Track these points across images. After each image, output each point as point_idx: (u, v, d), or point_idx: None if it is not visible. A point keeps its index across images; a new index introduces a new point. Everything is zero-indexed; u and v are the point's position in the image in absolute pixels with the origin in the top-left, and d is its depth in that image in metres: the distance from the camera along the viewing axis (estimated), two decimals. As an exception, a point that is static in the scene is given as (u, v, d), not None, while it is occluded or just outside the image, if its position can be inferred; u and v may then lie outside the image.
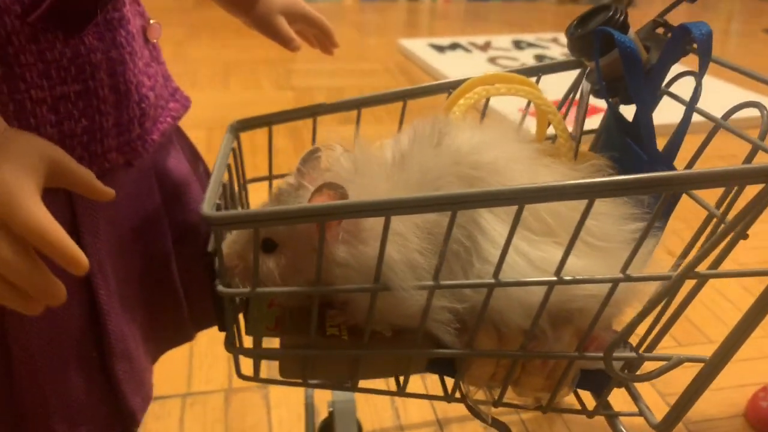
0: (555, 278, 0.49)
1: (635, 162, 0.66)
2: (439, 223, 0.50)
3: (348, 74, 2.61)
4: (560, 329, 0.54)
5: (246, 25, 0.67)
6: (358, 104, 0.71)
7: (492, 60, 2.70)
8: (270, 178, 0.71)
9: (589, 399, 0.60)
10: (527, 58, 2.75)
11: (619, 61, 0.67)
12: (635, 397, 0.59)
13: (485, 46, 2.89)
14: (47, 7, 0.42)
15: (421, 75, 2.61)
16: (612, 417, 0.58)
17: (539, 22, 3.73)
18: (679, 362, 0.52)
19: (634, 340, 0.58)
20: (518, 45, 2.95)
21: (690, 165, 0.62)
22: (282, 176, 0.70)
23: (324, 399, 0.97)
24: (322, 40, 0.70)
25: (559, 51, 2.88)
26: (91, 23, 0.46)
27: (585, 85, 0.69)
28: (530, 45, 2.95)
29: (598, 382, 0.59)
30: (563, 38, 2.90)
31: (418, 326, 0.51)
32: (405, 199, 0.46)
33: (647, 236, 0.48)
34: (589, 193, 0.46)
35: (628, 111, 0.67)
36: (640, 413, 0.58)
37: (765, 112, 0.56)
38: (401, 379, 0.58)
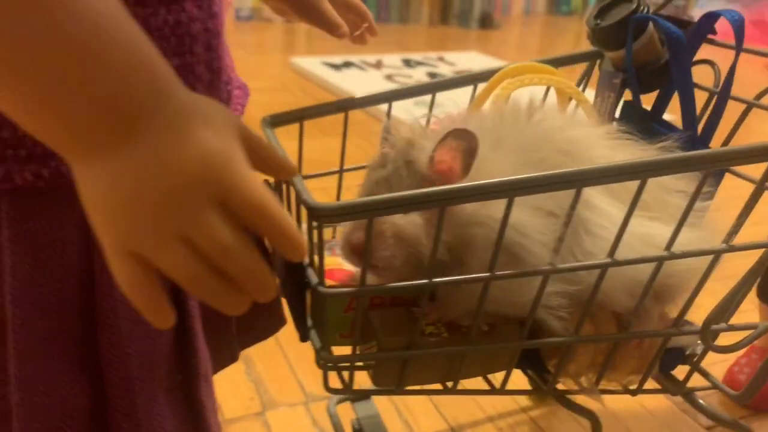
0: (667, 253, 0.49)
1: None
2: (554, 200, 0.48)
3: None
4: (656, 307, 0.54)
5: (277, 12, 0.61)
6: (388, 97, 0.68)
7: (389, 77, 2.73)
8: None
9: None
10: (420, 75, 2.81)
11: (643, 50, 0.69)
12: (706, 373, 0.60)
13: (378, 65, 2.92)
14: None
15: (320, 92, 2.58)
16: (690, 394, 0.59)
17: (414, 42, 3.84)
18: (764, 330, 0.54)
19: (694, 317, 0.59)
20: (408, 63, 3.01)
21: (725, 145, 0.65)
22: (313, 176, 0.65)
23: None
24: (360, 27, 0.66)
25: (447, 69, 2.97)
26: (194, -14, 0.39)
27: (611, 74, 0.70)
28: (419, 63, 3.02)
29: (667, 362, 0.59)
30: (448, 56, 3.00)
31: (530, 313, 0.49)
32: (531, 178, 0.44)
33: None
34: (700, 165, 0.47)
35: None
36: (715, 387, 0.59)
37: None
38: (491, 377, 0.55)
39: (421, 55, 3.21)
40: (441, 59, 3.15)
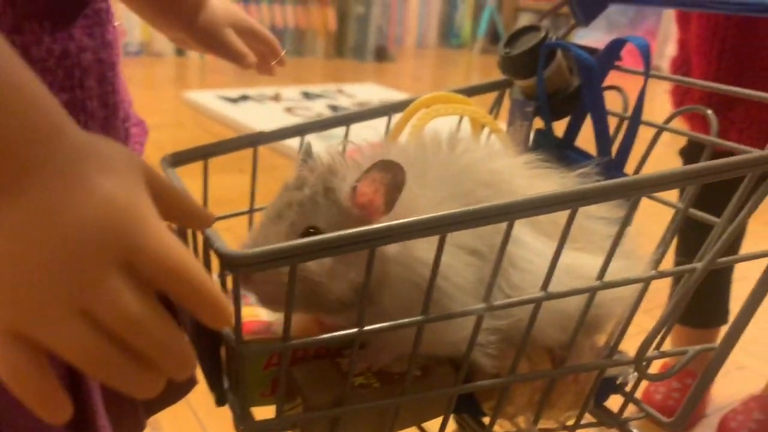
0: (599, 283, 0.48)
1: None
2: (479, 236, 0.46)
3: (138, 129, 2.41)
4: (587, 339, 0.53)
5: (177, 43, 0.56)
6: (300, 130, 0.64)
7: (289, 110, 2.69)
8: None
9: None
10: (321, 107, 2.79)
11: (553, 77, 0.69)
12: (639, 402, 0.59)
13: (276, 97, 2.88)
14: None
15: (218, 127, 2.50)
16: (625, 424, 0.57)
17: (311, 75, 3.83)
18: (695, 353, 0.54)
19: (627, 345, 0.58)
20: (308, 96, 2.98)
21: (638, 170, 0.65)
22: (222, 218, 0.60)
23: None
24: (267, 58, 0.62)
25: (347, 101, 2.97)
26: (83, 12, 0.34)
27: (523, 103, 0.70)
28: (319, 96, 3.01)
29: (601, 393, 0.58)
30: (347, 88, 3.04)
31: (465, 356, 0.46)
32: (464, 213, 0.42)
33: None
34: (634, 191, 0.46)
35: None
36: (649, 415, 0.58)
37: (709, 112, 0.61)
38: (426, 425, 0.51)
39: (320, 88, 3.20)
40: (340, 91, 3.15)
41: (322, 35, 4.36)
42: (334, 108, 2.79)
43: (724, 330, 1.01)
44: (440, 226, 0.41)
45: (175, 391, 0.53)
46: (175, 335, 0.26)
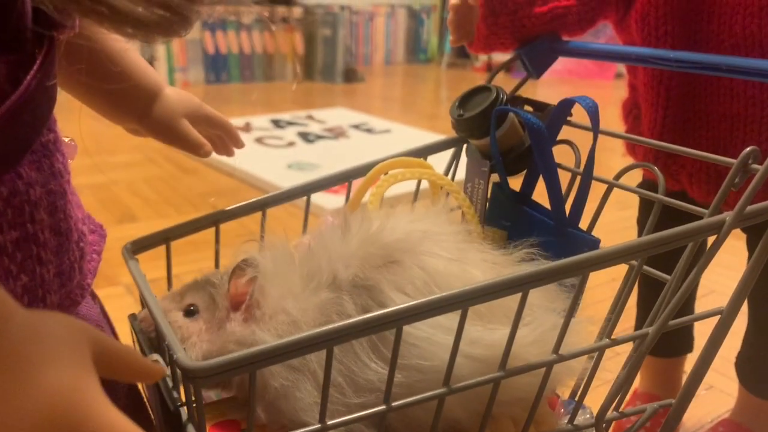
0: (556, 357, 0.49)
1: (536, 227, 0.70)
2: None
3: (109, 168, 2.40)
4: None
5: (132, 133, 0.57)
6: (262, 204, 0.65)
7: (259, 140, 2.69)
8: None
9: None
10: (291, 135, 2.80)
11: (506, 136, 0.71)
12: (604, 455, 0.60)
13: (246, 127, 2.88)
14: None
15: (189, 161, 2.50)
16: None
17: (281, 101, 3.84)
18: (654, 412, 0.55)
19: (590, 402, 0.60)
20: (278, 124, 2.99)
21: (591, 226, 0.67)
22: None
23: None
24: (225, 142, 0.63)
25: (318, 127, 2.98)
26: (29, 150, 0.35)
27: (479, 163, 0.72)
28: (289, 123, 3.01)
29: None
30: (318, 114, 3.03)
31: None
32: (418, 305, 0.43)
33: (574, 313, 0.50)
34: (578, 270, 0.47)
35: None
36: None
37: (655, 169, 0.63)
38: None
39: (290, 115, 3.20)
40: (310, 117, 3.16)
41: (291, 59, 4.37)
42: (303, 135, 2.80)
43: (689, 357, 1.04)
44: (397, 320, 0.43)
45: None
46: None
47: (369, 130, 2.96)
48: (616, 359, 0.60)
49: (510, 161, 0.71)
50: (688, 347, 1.02)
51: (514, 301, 0.46)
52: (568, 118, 0.70)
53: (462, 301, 0.43)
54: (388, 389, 0.44)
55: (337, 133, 2.87)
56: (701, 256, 0.51)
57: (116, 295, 1.47)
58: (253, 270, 0.50)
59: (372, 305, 0.49)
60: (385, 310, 0.42)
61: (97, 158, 2.49)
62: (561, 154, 0.69)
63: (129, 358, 0.31)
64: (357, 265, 0.50)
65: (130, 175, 2.36)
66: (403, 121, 3.22)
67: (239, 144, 0.64)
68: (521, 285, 0.45)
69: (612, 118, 0.67)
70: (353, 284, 0.49)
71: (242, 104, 3.70)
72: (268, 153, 2.54)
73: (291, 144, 2.68)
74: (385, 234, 0.52)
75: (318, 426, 0.43)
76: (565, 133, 0.71)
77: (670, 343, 1.00)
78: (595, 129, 0.65)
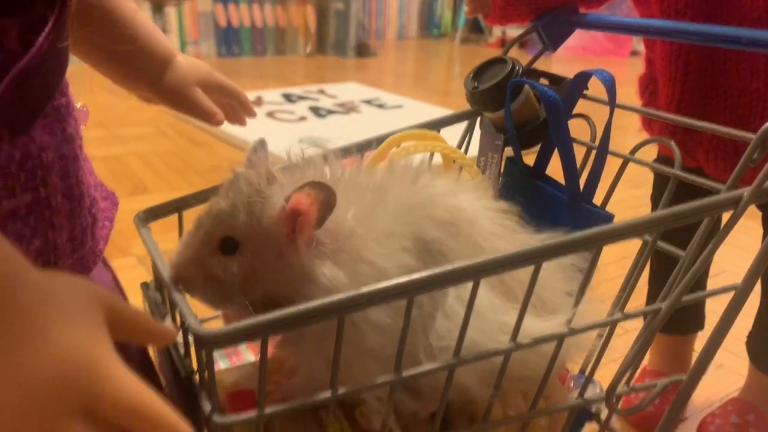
0: (567, 330, 0.49)
1: (550, 202, 0.69)
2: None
3: (121, 141, 2.40)
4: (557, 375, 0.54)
5: (144, 101, 0.57)
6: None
7: (270, 114, 2.69)
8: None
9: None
10: (303, 110, 2.79)
11: (521, 109, 0.70)
12: (613, 430, 0.60)
13: (258, 102, 2.87)
14: None
15: (200, 134, 2.49)
16: (600, 454, 0.59)
17: (293, 74, 3.82)
18: (664, 387, 0.55)
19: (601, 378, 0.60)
20: (289, 98, 2.98)
21: (605, 202, 0.67)
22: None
23: None
24: (237, 111, 0.62)
25: (329, 101, 2.96)
26: (42, 112, 0.34)
27: (493, 136, 0.71)
28: (300, 98, 3.00)
29: (576, 424, 0.60)
30: (329, 89, 2.99)
31: (440, 404, 0.47)
32: (430, 276, 0.43)
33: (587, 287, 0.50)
34: (592, 244, 0.47)
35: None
36: (623, 443, 0.60)
37: (672, 143, 0.62)
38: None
39: (301, 89, 3.19)
40: (321, 92, 3.14)
41: (303, 33, 4.34)
42: (314, 109, 2.79)
43: (700, 335, 1.03)
44: (407, 291, 0.42)
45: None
46: None
47: (381, 106, 2.94)
48: (625, 337, 0.60)
49: (524, 135, 0.70)
50: (699, 325, 1.01)
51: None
52: (584, 92, 0.69)
53: (476, 273, 0.43)
54: (459, 344, 0.45)
55: (348, 108, 2.86)
56: (715, 233, 0.51)
57: (128, 266, 1.47)
58: (328, 194, 0.43)
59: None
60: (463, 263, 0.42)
61: (109, 131, 2.49)
62: (576, 129, 0.68)
63: (141, 319, 0.31)
64: (424, 221, 0.49)
65: (141, 147, 2.36)
66: (415, 97, 3.19)
67: (251, 113, 0.64)
68: (535, 258, 0.45)
69: (627, 97, 0.66)
70: (427, 247, 0.48)
71: (254, 78, 3.68)
72: (280, 127, 2.54)
73: (302, 118, 2.67)
74: (452, 197, 0.52)
75: (393, 376, 0.44)
76: (580, 107, 0.70)
77: (681, 321, 0.99)
78: (612, 102, 0.64)
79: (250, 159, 0.50)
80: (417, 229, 0.49)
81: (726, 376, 1.13)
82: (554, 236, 0.46)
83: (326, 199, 0.44)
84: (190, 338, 0.43)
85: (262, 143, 0.50)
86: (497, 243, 0.51)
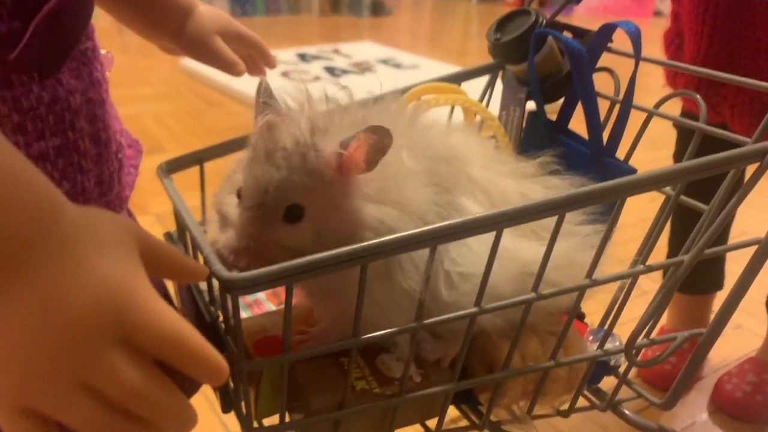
0: (589, 281, 0.49)
1: (573, 156, 0.68)
2: None
3: (136, 100, 2.40)
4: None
5: (166, 51, 0.56)
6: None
7: (285, 74, 2.67)
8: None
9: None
10: (317, 69, 2.76)
11: (545, 62, 0.69)
12: (630, 383, 0.61)
13: (272, 61, 2.85)
14: (26, 43, 0.31)
15: (214, 94, 2.49)
16: (617, 406, 0.60)
17: (307, 34, 3.78)
18: (684, 340, 0.55)
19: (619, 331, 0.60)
20: (303, 58, 2.95)
21: (629, 155, 0.66)
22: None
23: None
24: (256, 61, 0.62)
25: (344, 61, 2.94)
26: (69, 55, 0.34)
27: (515, 89, 0.70)
28: (315, 57, 2.97)
29: (594, 376, 0.60)
30: (344, 48, 2.95)
31: (460, 351, 0.48)
32: (454, 225, 0.43)
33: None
34: (614, 194, 0.46)
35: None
36: (640, 396, 0.60)
37: (698, 97, 0.61)
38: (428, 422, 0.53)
39: (315, 48, 3.16)
40: (336, 51, 3.11)
41: (317, -8, 4.28)
42: (329, 69, 2.77)
43: (719, 295, 1.03)
44: (431, 239, 0.43)
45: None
46: (174, 399, 0.28)
47: (397, 65, 2.91)
48: (643, 298, 0.60)
49: (547, 88, 0.69)
50: (719, 284, 1.01)
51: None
52: (608, 46, 0.68)
53: (499, 222, 0.43)
54: (481, 293, 0.45)
55: (363, 68, 2.83)
56: (739, 189, 0.50)
57: (146, 225, 1.48)
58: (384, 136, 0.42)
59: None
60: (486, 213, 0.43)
61: (123, 90, 2.49)
62: (599, 82, 0.67)
63: (174, 255, 0.31)
64: (432, 159, 0.49)
65: (155, 107, 2.36)
66: (431, 57, 3.16)
67: (271, 62, 0.64)
68: (558, 208, 0.44)
69: (651, 55, 0.65)
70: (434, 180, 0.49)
71: (267, 38, 3.66)
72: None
73: (317, 78, 2.65)
74: (446, 137, 0.52)
75: (414, 324, 0.45)
76: (603, 60, 0.69)
77: (701, 280, 0.99)
78: (637, 55, 0.63)
79: (264, 102, 0.48)
80: (428, 166, 0.49)
81: (743, 336, 1.13)
82: (570, 184, 0.46)
83: (381, 141, 0.43)
84: (215, 284, 0.44)
85: (266, 88, 0.49)
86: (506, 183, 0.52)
